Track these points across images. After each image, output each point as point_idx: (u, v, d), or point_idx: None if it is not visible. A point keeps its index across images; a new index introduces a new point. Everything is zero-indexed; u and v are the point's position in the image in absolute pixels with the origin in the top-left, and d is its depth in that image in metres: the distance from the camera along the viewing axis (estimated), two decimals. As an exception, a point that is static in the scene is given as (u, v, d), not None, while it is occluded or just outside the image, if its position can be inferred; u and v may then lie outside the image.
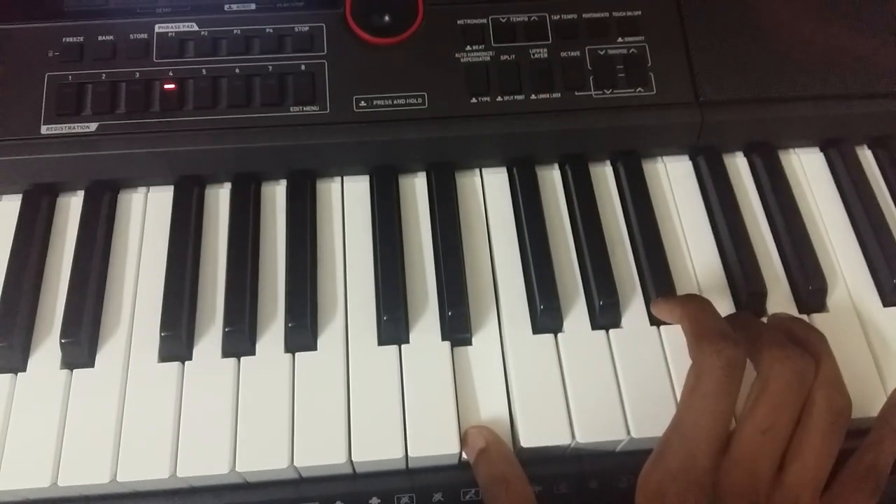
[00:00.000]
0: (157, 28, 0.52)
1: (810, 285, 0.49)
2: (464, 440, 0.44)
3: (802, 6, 0.55)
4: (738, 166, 0.56)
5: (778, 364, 0.39)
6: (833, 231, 0.53)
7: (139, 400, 0.45)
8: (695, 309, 0.42)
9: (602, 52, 0.53)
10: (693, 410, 0.38)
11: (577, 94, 0.52)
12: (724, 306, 0.49)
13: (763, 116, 0.54)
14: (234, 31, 0.52)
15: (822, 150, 0.57)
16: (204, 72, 0.51)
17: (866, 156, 0.57)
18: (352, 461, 0.43)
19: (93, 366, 0.46)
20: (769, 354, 0.39)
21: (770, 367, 0.39)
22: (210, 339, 0.47)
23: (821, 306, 0.50)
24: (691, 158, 0.56)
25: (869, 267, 0.52)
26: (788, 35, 0.54)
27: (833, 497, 0.39)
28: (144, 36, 0.52)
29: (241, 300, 0.47)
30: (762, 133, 0.55)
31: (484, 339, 0.48)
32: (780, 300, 0.50)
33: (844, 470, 0.40)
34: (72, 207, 0.52)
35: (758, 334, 0.41)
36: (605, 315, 0.48)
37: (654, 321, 0.48)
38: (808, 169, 0.56)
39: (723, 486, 0.37)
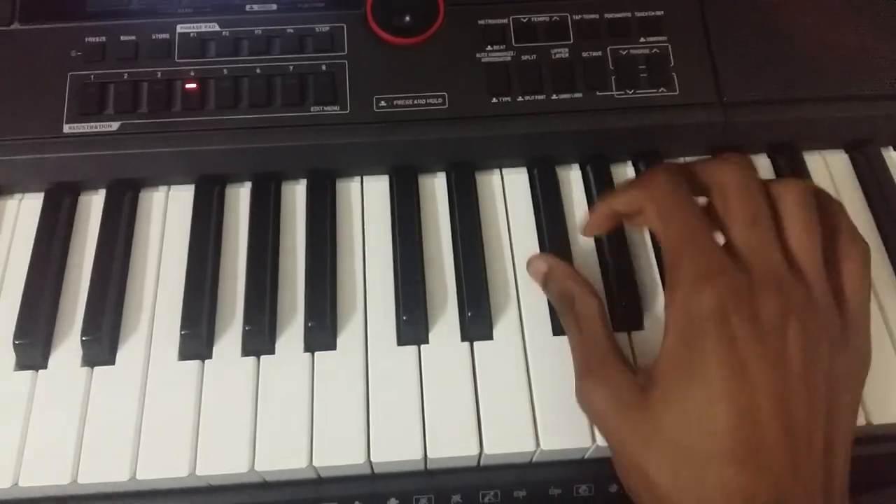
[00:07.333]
0: (179, 28, 0.53)
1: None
2: (528, 269, 0.48)
3: (828, 6, 0.55)
4: (763, 167, 0.55)
5: (725, 168, 0.40)
6: (859, 233, 0.52)
7: (159, 398, 0.45)
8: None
9: (624, 52, 0.53)
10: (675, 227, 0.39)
11: (598, 94, 0.52)
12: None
13: (787, 117, 0.53)
14: (256, 32, 0.53)
15: (847, 151, 0.56)
16: (225, 72, 0.52)
17: (892, 158, 0.56)
18: (370, 461, 0.43)
19: (113, 363, 0.46)
20: (711, 168, 0.40)
21: (718, 174, 0.40)
22: (230, 338, 0.47)
23: (846, 310, 0.49)
24: (714, 159, 0.55)
25: (895, 270, 0.51)
26: (813, 35, 0.54)
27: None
28: (166, 36, 0.52)
29: (261, 299, 0.47)
30: (786, 134, 0.54)
31: (504, 340, 0.47)
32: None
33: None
34: (93, 206, 0.52)
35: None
36: (627, 314, 0.47)
37: None
38: (833, 171, 0.55)
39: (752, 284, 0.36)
